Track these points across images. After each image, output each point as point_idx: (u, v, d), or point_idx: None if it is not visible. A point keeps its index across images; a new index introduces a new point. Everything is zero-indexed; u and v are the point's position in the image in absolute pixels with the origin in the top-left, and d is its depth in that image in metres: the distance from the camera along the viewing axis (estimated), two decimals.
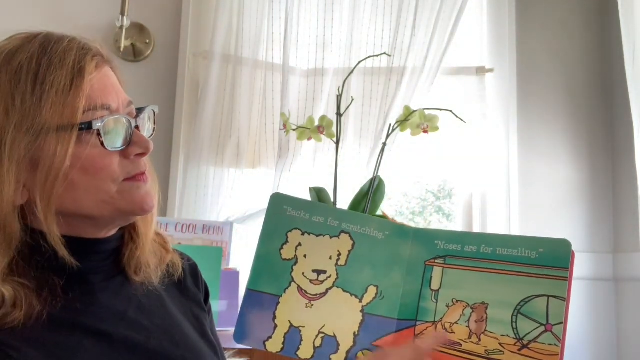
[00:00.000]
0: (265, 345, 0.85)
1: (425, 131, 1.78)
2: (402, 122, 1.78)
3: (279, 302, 0.86)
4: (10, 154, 0.73)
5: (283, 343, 0.85)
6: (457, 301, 0.84)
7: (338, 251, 0.87)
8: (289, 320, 0.85)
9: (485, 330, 0.82)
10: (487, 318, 0.81)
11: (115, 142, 0.78)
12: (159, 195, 0.88)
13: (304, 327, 0.85)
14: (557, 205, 2.23)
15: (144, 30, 2.22)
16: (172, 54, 2.21)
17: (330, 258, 0.87)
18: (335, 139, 1.80)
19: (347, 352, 0.85)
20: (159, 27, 2.23)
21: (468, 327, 0.82)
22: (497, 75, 2.25)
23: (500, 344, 0.80)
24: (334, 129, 1.81)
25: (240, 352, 1.29)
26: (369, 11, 2.17)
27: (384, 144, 1.83)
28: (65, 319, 0.76)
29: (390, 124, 1.89)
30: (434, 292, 0.85)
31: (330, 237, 0.88)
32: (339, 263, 0.87)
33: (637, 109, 1.87)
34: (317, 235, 0.88)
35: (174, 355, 0.83)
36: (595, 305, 2.20)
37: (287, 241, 0.87)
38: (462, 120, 1.77)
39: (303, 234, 0.88)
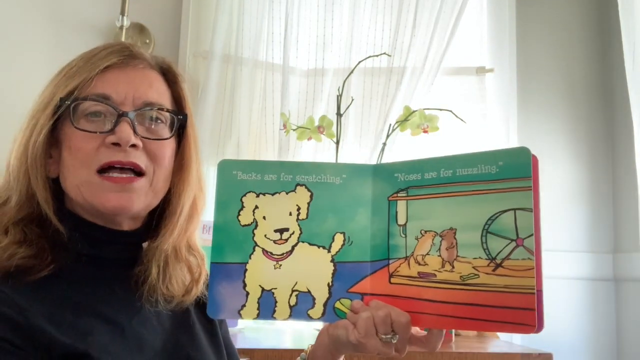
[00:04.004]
0: (240, 314, 0.83)
1: (425, 131, 1.78)
2: (402, 122, 1.78)
3: (246, 269, 0.84)
4: (26, 126, 0.83)
5: (258, 309, 0.83)
6: (426, 232, 0.81)
7: (297, 205, 0.85)
8: (260, 285, 0.84)
9: (457, 256, 0.79)
10: (457, 243, 0.79)
11: (94, 126, 0.81)
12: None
13: (276, 288, 0.84)
14: (557, 205, 2.23)
15: (144, 30, 2.22)
16: (172, 54, 2.20)
17: (290, 214, 0.85)
18: (335, 139, 1.80)
19: (324, 305, 0.84)
20: (159, 27, 2.23)
21: (440, 256, 0.80)
22: (497, 75, 2.25)
23: (474, 267, 0.78)
24: (334, 129, 1.81)
25: (240, 352, 1.29)
26: (369, 11, 2.17)
27: (384, 144, 1.83)
28: (83, 303, 0.78)
29: (390, 124, 1.89)
30: (401, 227, 0.83)
31: (287, 193, 0.85)
32: (300, 217, 0.85)
33: (637, 109, 1.87)
34: (273, 194, 0.85)
35: (180, 355, 0.85)
36: (595, 305, 2.20)
37: (243, 206, 0.85)
38: (462, 120, 1.77)
39: (258, 196, 0.85)
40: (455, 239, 0.80)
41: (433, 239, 0.81)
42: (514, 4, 2.28)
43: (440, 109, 1.78)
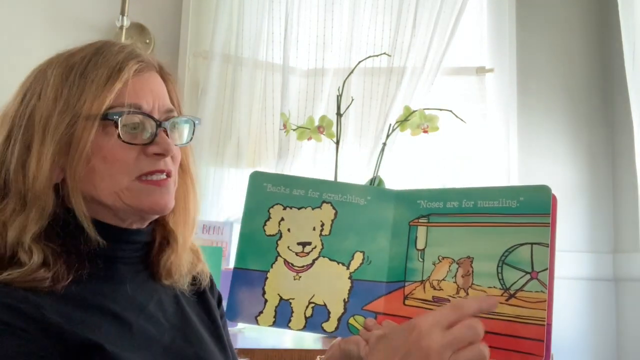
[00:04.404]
0: (257, 320, 0.86)
1: (425, 131, 1.78)
2: (402, 122, 1.79)
3: (267, 277, 0.86)
4: (52, 135, 0.81)
5: (274, 316, 0.86)
6: (443, 258, 0.84)
7: (321, 221, 0.88)
8: (279, 294, 0.86)
9: (472, 284, 0.81)
10: (473, 272, 0.81)
11: (135, 137, 0.83)
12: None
13: (293, 299, 0.86)
14: (557, 205, 2.23)
15: (144, 30, 2.22)
16: (172, 54, 2.21)
17: (314, 229, 0.88)
18: (335, 139, 1.80)
19: (339, 319, 0.86)
20: (159, 27, 2.23)
21: (455, 282, 0.82)
22: (497, 75, 2.25)
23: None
24: (334, 129, 1.81)
25: (240, 352, 1.30)
26: (369, 11, 2.17)
27: (384, 144, 1.83)
28: (92, 300, 0.80)
29: (390, 124, 1.89)
30: (419, 252, 0.85)
31: (313, 209, 0.88)
32: (323, 233, 0.88)
33: (637, 109, 1.87)
34: (299, 208, 0.88)
35: (187, 352, 0.87)
36: (595, 305, 2.20)
37: (269, 217, 0.88)
38: (462, 120, 1.77)
39: (285, 209, 0.88)
40: (471, 267, 0.82)
41: (450, 266, 0.83)
42: (514, 4, 2.28)
43: (440, 109, 1.78)
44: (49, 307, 0.75)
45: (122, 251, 0.87)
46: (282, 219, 0.88)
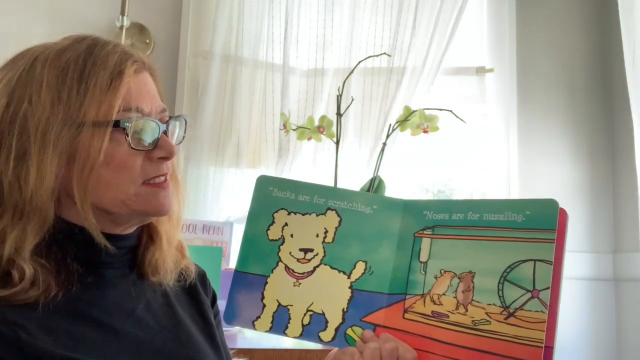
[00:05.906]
0: (254, 325, 0.85)
1: (425, 131, 1.78)
2: (402, 122, 1.78)
3: (267, 282, 0.86)
4: (54, 144, 0.77)
5: (271, 322, 0.85)
6: (445, 271, 0.82)
7: (325, 228, 0.87)
8: (277, 300, 0.86)
9: (472, 300, 0.80)
10: (473, 287, 0.80)
11: (142, 143, 0.82)
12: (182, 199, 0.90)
13: (292, 305, 0.86)
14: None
15: (144, 30, 2.22)
16: (172, 54, 2.21)
17: (317, 236, 0.87)
18: (335, 139, 1.80)
19: (336, 329, 0.85)
20: (159, 27, 2.23)
21: (455, 297, 0.81)
22: (497, 75, 2.25)
23: (486, 313, 0.79)
24: (334, 129, 1.81)
25: (239, 352, 1.29)
26: (369, 11, 2.17)
27: (384, 144, 1.83)
28: (77, 308, 0.78)
29: (390, 124, 1.89)
30: (422, 264, 0.84)
31: (317, 215, 0.88)
32: (326, 240, 0.87)
33: (637, 109, 1.87)
34: (304, 214, 0.88)
35: (179, 354, 0.85)
36: (595, 305, 2.20)
37: (273, 222, 0.88)
38: (462, 120, 1.77)
39: (289, 214, 0.88)
40: (472, 282, 0.81)
41: (451, 280, 0.82)
42: (514, 4, 2.28)
43: (440, 109, 1.78)
44: (27, 323, 0.72)
45: (111, 257, 0.84)
46: (286, 224, 0.87)
